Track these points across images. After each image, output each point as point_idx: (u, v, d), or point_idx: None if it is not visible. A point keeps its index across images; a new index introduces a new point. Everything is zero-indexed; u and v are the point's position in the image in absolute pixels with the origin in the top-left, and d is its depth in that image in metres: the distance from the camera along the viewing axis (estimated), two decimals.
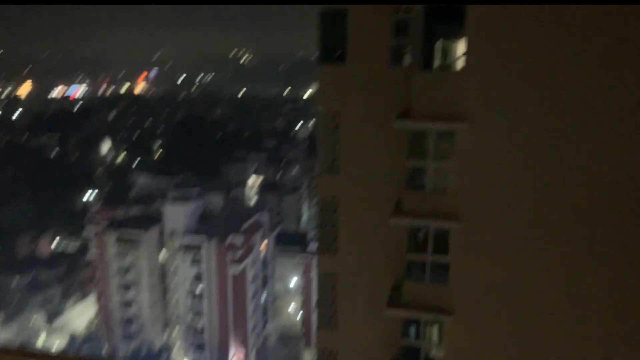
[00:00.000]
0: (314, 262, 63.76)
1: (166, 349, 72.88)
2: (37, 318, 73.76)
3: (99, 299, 74.60)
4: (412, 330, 16.32)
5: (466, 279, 14.60)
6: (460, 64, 15.01)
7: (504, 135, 13.71)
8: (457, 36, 15.41)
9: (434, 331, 16.25)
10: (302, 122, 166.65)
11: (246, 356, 71.08)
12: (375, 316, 16.37)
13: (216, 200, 79.35)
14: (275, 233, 79.39)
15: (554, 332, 14.45)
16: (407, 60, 15.67)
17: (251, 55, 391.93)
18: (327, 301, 17.54)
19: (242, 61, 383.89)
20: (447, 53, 16.56)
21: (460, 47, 15.18)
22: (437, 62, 15.89)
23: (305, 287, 72.52)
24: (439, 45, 16.03)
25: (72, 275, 79.68)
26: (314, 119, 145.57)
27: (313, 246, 68.62)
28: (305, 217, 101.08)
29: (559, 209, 13.77)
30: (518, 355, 14.85)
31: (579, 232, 13.75)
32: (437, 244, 14.40)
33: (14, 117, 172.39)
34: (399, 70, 15.41)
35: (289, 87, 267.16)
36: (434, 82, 14.23)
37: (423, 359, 16.16)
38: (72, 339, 75.35)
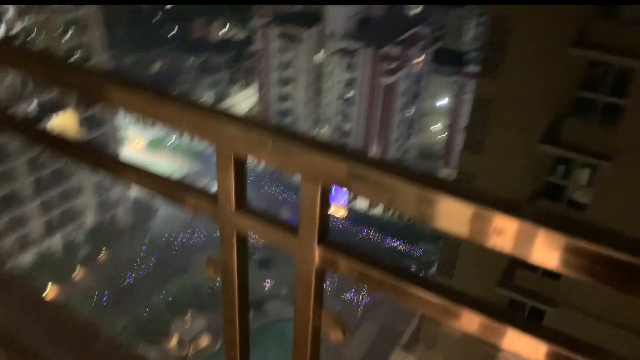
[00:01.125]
0: (469, 85, 61.34)
1: None
2: (207, 96, 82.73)
3: (259, 89, 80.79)
4: (562, 169, 15.83)
5: (638, 125, 13.34)
6: None
7: None
8: None
9: (585, 174, 15.63)
10: None
11: None
12: (525, 148, 15.98)
13: (378, 6, 76.68)
14: (433, 48, 76.33)
15: None
16: None
17: None
18: (478, 126, 17.31)
19: None
20: None
21: None
22: None
23: (454, 109, 71.42)
24: None
25: (238, 63, 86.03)
26: None
27: (471, 68, 65.47)
28: (469, 36, 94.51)
29: None
30: None
31: None
32: (616, 84, 12.98)
33: None
34: None
35: None
36: None
37: (565, 200, 15.91)
38: None
